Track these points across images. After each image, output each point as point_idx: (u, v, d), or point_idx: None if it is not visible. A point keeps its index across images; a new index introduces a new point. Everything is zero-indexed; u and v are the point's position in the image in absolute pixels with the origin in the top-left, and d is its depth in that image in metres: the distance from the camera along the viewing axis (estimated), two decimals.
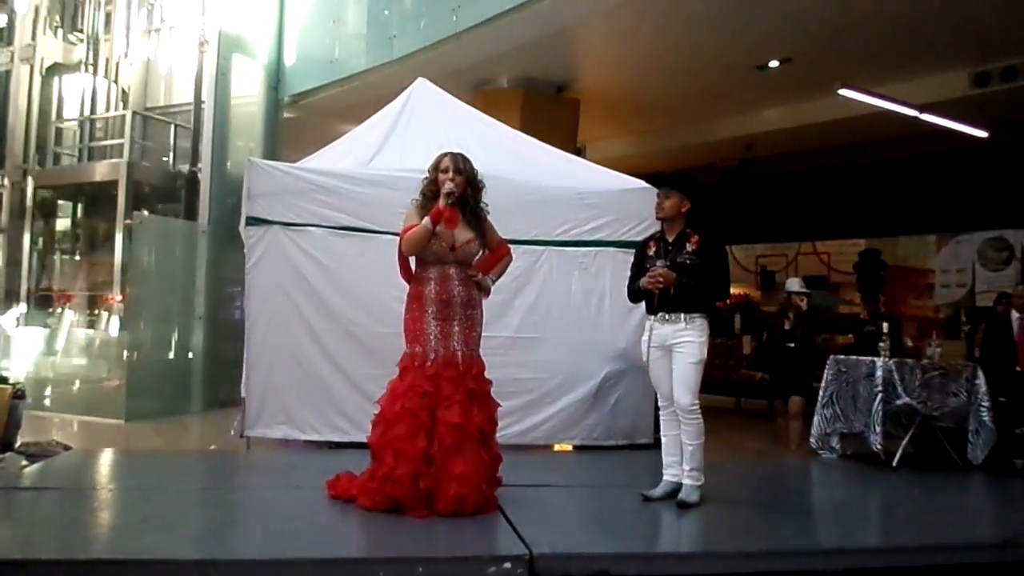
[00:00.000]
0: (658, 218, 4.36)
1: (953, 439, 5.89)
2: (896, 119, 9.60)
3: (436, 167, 4.09)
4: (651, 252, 4.34)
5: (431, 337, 3.99)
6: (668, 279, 4.11)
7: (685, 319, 4.15)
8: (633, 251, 4.60)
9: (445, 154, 4.12)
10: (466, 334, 4.06)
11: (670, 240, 4.29)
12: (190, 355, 9.53)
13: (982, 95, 9.12)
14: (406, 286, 4.17)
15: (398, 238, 4.11)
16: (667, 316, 4.18)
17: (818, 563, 3.48)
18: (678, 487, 4.24)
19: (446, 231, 3.98)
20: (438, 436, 3.88)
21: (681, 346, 4.14)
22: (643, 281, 4.21)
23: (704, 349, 4.17)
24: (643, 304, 4.39)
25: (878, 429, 5.60)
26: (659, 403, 4.39)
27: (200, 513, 3.99)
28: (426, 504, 3.81)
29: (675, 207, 4.26)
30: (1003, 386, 6.10)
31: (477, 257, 4.18)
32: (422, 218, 3.98)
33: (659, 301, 4.20)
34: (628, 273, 4.51)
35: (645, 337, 4.30)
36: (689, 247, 4.21)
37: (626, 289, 4.49)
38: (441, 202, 3.94)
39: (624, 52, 9.19)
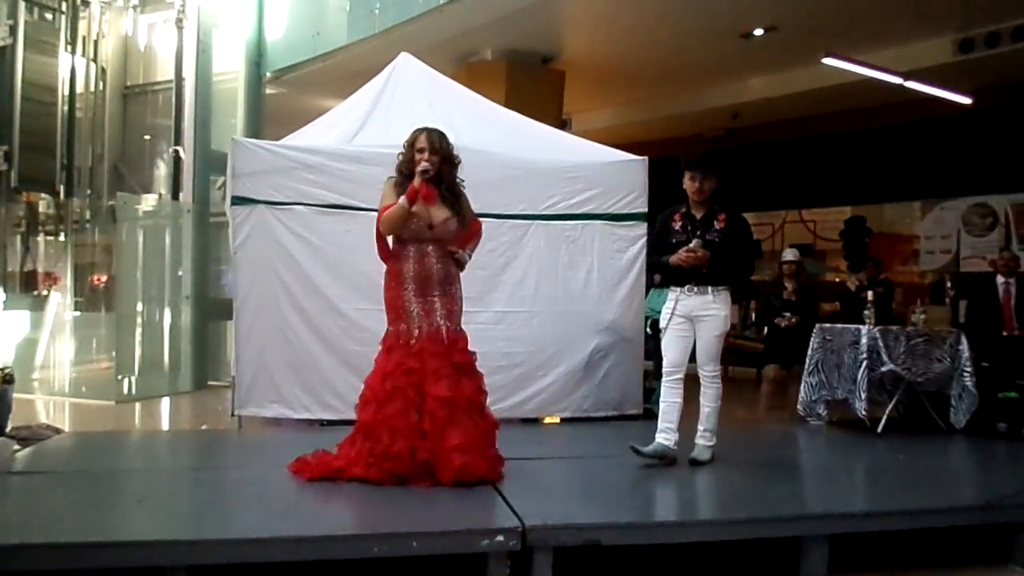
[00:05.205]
0: (697, 201, 4.47)
1: (937, 404, 5.98)
2: (881, 87, 9.61)
3: (412, 144, 4.05)
4: (676, 226, 4.47)
5: (414, 314, 4.03)
6: (703, 259, 4.26)
7: (712, 292, 4.33)
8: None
9: (421, 131, 4.08)
10: (448, 308, 4.08)
11: (698, 217, 4.43)
12: (179, 335, 9.50)
13: (966, 61, 9.11)
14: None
15: (377, 216, 4.08)
16: (695, 288, 4.35)
17: (805, 528, 3.53)
18: (667, 450, 4.36)
19: (423, 210, 3.99)
20: (428, 411, 3.91)
21: (707, 318, 4.35)
22: (676, 257, 4.33)
23: (728, 321, 4.43)
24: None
25: (863, 396, 5.67)
26: (664, 370, 4.51)
27: (194, 493, 4.00)
28: (428, 475, 3.87)
29: (712, 188, 4.43)
30: (989, 351, 6.16)
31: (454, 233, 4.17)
32: (399, 196, 3.97)
33: (689, 275, 4.34)
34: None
35: (669, 306, 4.45)
36: (717, 225, 4.40)
37: (645, 260, 4.61)
38: (416, 180, 3.94)
39: (609, 22, 9.11)
